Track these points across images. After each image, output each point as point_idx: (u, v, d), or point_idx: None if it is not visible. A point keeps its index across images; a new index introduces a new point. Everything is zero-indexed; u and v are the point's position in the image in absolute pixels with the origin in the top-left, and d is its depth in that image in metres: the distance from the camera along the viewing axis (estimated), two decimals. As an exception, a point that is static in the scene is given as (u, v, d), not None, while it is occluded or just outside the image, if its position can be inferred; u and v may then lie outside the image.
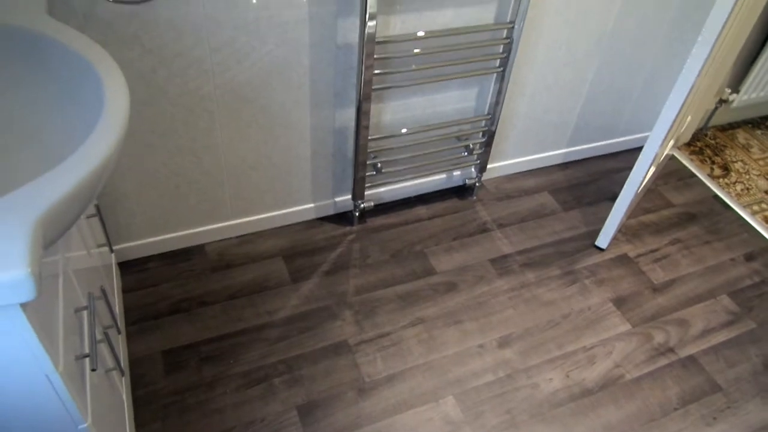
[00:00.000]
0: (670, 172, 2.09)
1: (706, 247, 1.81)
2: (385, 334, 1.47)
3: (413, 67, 1.45)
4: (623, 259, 1.74)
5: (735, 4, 1.25)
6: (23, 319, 0.63)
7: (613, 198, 1.94)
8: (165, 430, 1.24)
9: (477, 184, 1.85)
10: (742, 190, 2.07)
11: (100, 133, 0.70)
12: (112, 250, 1.36)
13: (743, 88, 2.17)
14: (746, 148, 2.29)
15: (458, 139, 1.73)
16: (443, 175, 1.84)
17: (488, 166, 1.91)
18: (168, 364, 1.36)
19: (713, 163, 2.18)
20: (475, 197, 1.88)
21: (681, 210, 1.93)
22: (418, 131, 1.62)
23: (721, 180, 2.10)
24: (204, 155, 1.44)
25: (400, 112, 1.58)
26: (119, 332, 1.22)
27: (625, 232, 1.83)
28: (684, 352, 1.52)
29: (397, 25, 1.39)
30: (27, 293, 0.57)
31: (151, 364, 1.35)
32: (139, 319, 1.44)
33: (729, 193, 2.04)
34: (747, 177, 2.14)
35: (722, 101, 2.23)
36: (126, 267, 1.55)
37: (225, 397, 1.31)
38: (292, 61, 1.35)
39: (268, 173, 1.55)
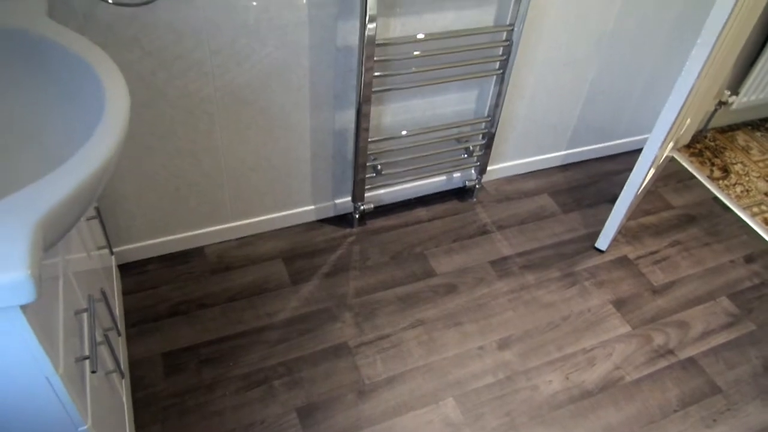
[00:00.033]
0: (669, 174, 2.09)
1: (706, 248, 1.81)
2: (385, 336, 1.47)
3: (413, 69, 1.45)
4: (623, 261, 1.74)
5: (734, 5, 1.26)
6: (23, 321, 0.63)
7: (613, 200, 1.94)
8: (165, 433, 1.24)
9: (477, 186, 1.85)
10: (741, 191, 2.07)
11: (100, 136, 0.70)
12: (112, 253, 1.36)
13: (743, 90, 2.17)
14: (746, 150, 2.29)
15: (458, 141, 1.74)
16: (443, 177, 1.84)
17: (488, 168, 1.91)
18: (168, 366, 1.36)
19: (713, 165, 2.19)
20: (474, 199, 1.88)
21: (681, 212, 1.93)
22: (418, 133, 1.62)
23: (720, 182, 2.10)
24: (204, 157, 1.44)
25: (400, 114, 1.59)
26: (119, 334, 1.22)
27: (624, 233, 1.83)
28: (684, 354, 1.52)
29: (397, 27, 1.39)
30: (27, 295, 0.57)
31: (151, 367, 1.35)
32: (139, 321, 1.44)
33: (729, 194, 2.04)
34: (747, 179, 2.14)
35: (722, 103, 2.23)
36: (126, 269, 1.55)
37: (224, 399, 1.31)
38: (292, 63, 1.35)
39: (267, 175, 1.55)
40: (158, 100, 1.29)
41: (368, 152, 1.57)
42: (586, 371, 1.45)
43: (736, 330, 1.59)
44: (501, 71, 1.57)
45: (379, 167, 1.64)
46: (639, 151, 2.16)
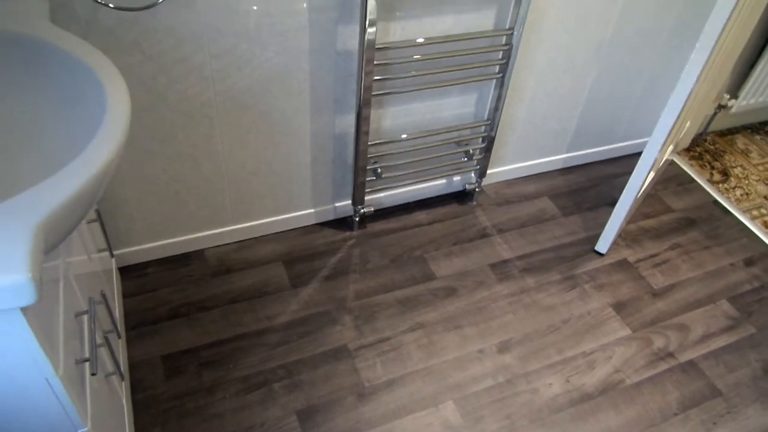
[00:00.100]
0: (669, 178, 2.09)
1: (706, 252, 1.81)
2: (385, 339, 1.47)
3: (413, 73, 1.46)
4: (623, 264, 1.74)
5: (733, 9, 1.26)
6: (24, 323, 0.63)
7: (613, 203, 1.94)
8: (165, 435, 1.24)
9: (477, 190, 1.86)
10: (741, 195, 2.07)
11: (101, 139, 0.71)
12: (112, 255, 1.37)
13: (742, 94, 2.18)
14: (745, 153, 2.29)
15: (458, 144, 1.74)
16: (443, 181, 1.85)
17: (488, 172, 1.92)
18: (167, 368, 1.36)
19: (713, 168, 2.19)
20: (474, 202, 1.89)
21: (680, 215, 1.94)
22: (418, 137, 1.63)
23: (720, 185, 2.10)
24: (204, 161, 1.44)
25: (400, 117, 1.59)
26: (119, 337, 1.22)
27: (624, 237, 1.83)
28: (684, 357, 1.52)
29: (397, 31, 1.40)
30: (28, 297, 0.57)
31: (151, 369, 1.35)
32: (139, 323, 1.44)
33: (728, 198, 2.05)
34: (746, 182, 2.14)
35: (721, 107, 2.23)
36: (126, 272, 1.55)
37: (224, 401, 1.31)
38: (293, 67, 1.36)
39: (268, 179, 1.56)
40: (159, 104, 1.29)
41: (368, 156, 1.58)
42: (586, 374, 1.45)
43: (736, 333, 1.59)
44: (501, 75, 1.57)
45: (379, 170, 1.64)
46: (639, 154, 2.16)
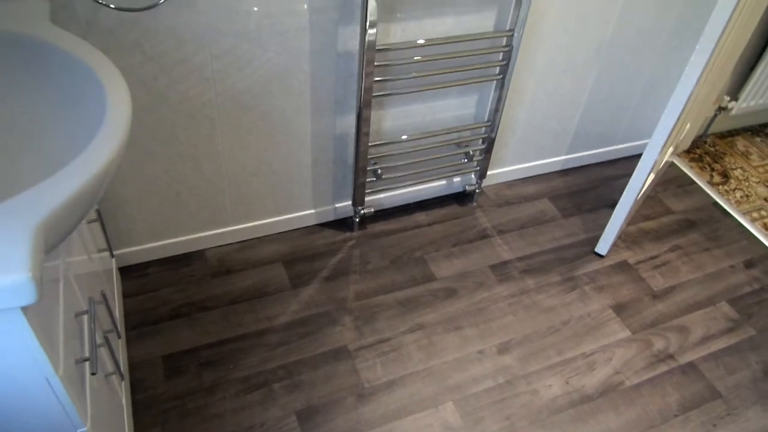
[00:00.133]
0: (669, 179, 2.09)
1: (706, 254, 1.81)
2: (385, 340, 1.47)
3: (413, 74, 1.46)
4: (623, 266, 1.74)
5: (733, 12, 1.26)
6: (24, 323, 0.63)
7: (613, 205, 1.94)
8: (164, 436, 1.25)
9: (477, 191, 1.86)
10: (741, 197, 2.08)
11: (102, 139, 0.71)
12: (112, 255, 1.37)
13: (742, 96, 2.18)
14: (745, 155, 2.29)
15: (458, 145, 1.74)
16: (443, 182, 1.85)
17: (488, 173, 1.92)
18: (168, 368, 1.36)
19: (713, 170, 2.19)
20: (474, 203, 1.89)
21: (680, 217, 1.94)
22: (418, 138, 1.63)
23: (720, 187, 2.11)
24: (205, 162, 1.45)
25: (400, 118, 1.59)
26: (119, 337, 1.22)
27: (624, 238, 1.83)
28: (684, 359, 1.52)
29: (398, 32, 1.40)
30: (28, 297, 0.58)
31: (151, 369, 1.36)
32: (140, 323, 1.44)
33: (728, 200, 2.05)
34: (746, 184, 2.14)
35: (721, 109, 2.23)
36: (126, 272, 1.55)
37: (224, 402, 1.31)
38: (293, 68, 1.36)
39: (268, 180, 1.56)
40: (160, 104, 1.29)
41: (369, 156, 1.58)
42: (586, 376, 1.45)
43: (736, 335, 1.59)
44: (501, 76, 1.58)
45: (379, 171, 1.65)
46: (639, 156, 2.17)
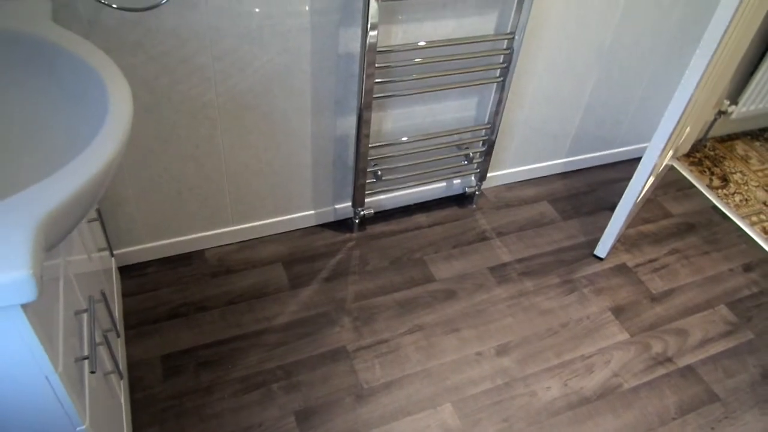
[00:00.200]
0: (669, 183, 2.09)
1: (705, 257, 1.81)
2: (384, 341, 1.47)
3: (414, 76, 1.46)
4: (622, 269, 1.74)
5: (733, 16, 1.27)
6: (24, 320, 0.63)
7: (612, 208, 1.95)
8: (163, 435, 1.25)
9: (477, 193, 1.86)
10: (740, 201, 2.08)
11: (103, 139, 0.71)
12: (112, 255, 1.37)
13: (742, 100, 2.18)
14: (745, 159, 2.30)
15: (458, 147, 1.74)
16: (443, 184, 1.85)
17: (488, 175, 1.92)
18: (166, 368, 1.36)
19: (712, 173, 2.19)
20: (474, 206, 1.89)
21: (680, 220, 1.94)
22: (418, 139, 1.63)
23: (719, 191, 2.11)
24: (205, 162, 1.45)
25: (400, 120, 1.60)
26: (118, 336, 1.23)
27: (624, 241, 1.84)
28: (682, 362, 1.52)
29: (399, 34, 1.41)
30: (28, 294, 0.58)
31: (150, 368, 1.36)
32: (139, 323, 1.44)
33: (728, 203, 2.05)
34: (746, 188, 2.14)
35: (721, 113, 2.24)
36: (126, 271, 1.56)
37: (223, 402, 1.31)
38: (294, 69, 1.36)
39: (268, 180, 1.56)
40: (161, 104, 1.30)
41: (369, 158, 1.58)
42: (585, 378, 1.45)
43: (735, 338, 1.59)
44: (501, 79, 1.58)
45: (379, 173, 1.65)
46: (638, 159, 2.17)
